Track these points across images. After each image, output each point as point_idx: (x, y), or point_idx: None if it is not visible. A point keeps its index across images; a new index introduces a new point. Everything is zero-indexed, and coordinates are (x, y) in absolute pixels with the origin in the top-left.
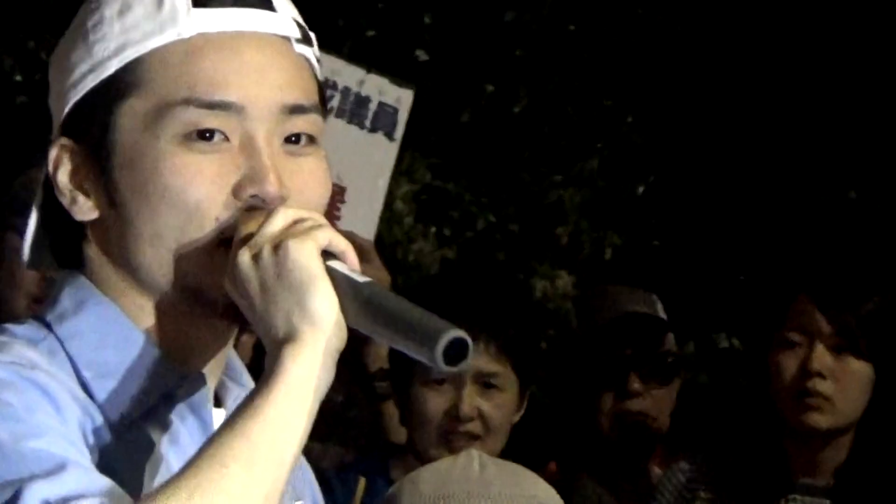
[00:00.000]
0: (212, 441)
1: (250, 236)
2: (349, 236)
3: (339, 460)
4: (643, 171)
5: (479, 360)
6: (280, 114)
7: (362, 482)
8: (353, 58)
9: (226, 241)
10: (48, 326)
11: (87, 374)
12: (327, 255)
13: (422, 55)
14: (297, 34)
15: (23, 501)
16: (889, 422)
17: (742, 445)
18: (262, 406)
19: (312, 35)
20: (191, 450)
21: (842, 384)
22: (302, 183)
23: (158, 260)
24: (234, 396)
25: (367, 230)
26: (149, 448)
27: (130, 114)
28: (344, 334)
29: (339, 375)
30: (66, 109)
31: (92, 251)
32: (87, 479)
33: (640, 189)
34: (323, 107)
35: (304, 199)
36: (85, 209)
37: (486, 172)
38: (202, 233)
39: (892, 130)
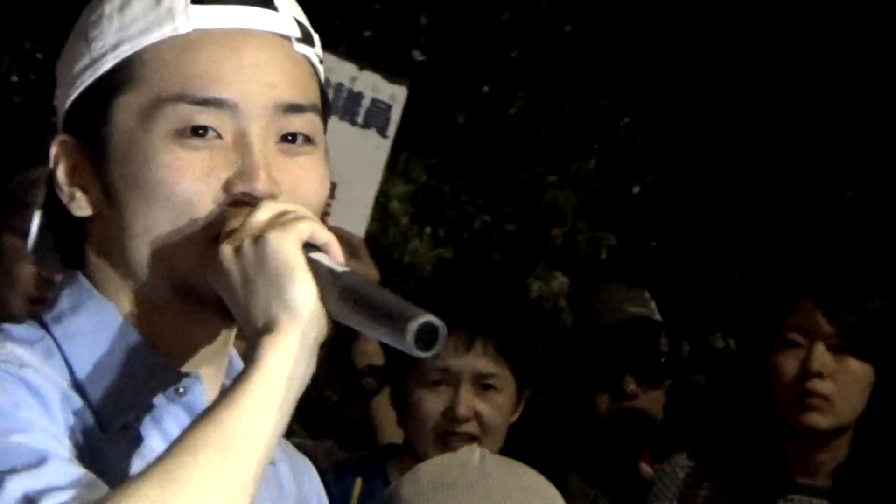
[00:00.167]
0: (186, 431)
1: (235, 230)
2: (339, 232)
3: (335, 460)
4: (639, 171)
5: (477, 360)
6: (274, 112)
7: (359, 483)
8: (349, 57)
9: (217, 238)
10: (46, 327)
11: (81, 375)
12: (310, 247)
13: (418, 56)
14: (297, 33)
15: (3, 494)
16: (888, 422)
17: (740, 444)
18: (236, 395)
19: (315, 36)
20: None
21: (841, 385)
22: (295, 181)
23: (150, 256)
24: None
25: (358, 227)
26: (143, 449)
27: (125, 109)
28: (324, 325)
29: (335, 375)
30: (66, 105)
31: (92, 250)
32: (65, 472)
33: (636, 190)
34: (325, 108)
35: (297, 197)
36: (83, 206)
37: (482, 173)
38: (193, 228)
39: (889, 130)
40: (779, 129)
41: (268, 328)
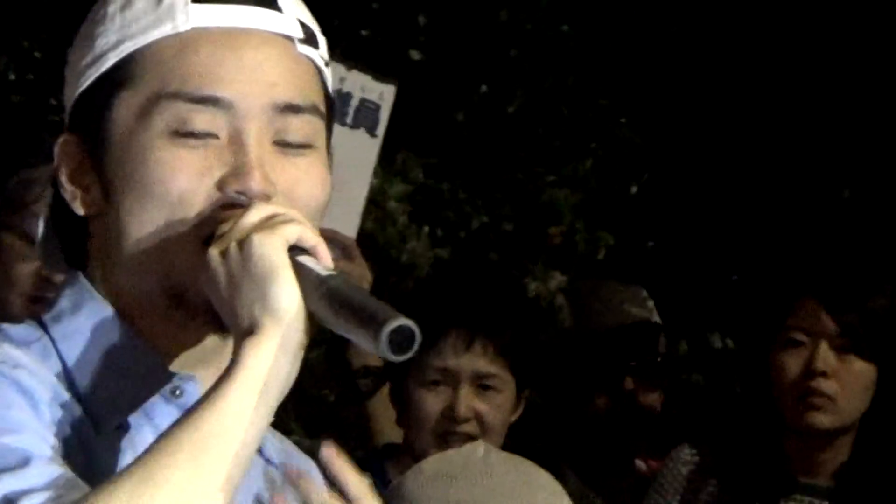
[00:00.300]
0: (165, 433)
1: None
2: (331, 234)
3: None
4: (637, 171)
5: (476, 360)
6: (272, 112)
7: None
8: (348, 57)
9: (209, 241)
10: (45, 327)
11: (76, 376)
12: (298, 250)
13: (416, 55)
14: (300, 34)
15: None
16: (890, 423)
17: (741, 444)
18: (215, 397)
19: (321, 38)
20: None
21: (845, 384)
22: (291, 182)
23: (145, 256)
24: None
25: (350, 228)
26: (138, 449)
27: (124, 106)
28: (308, 328)
29: (332, 375)
30: (71, 104)
31: (93, 249)
32: (47, 473)
33: (634, 189)
34: (329, 110)
35: (293, 198)
36: (84, 205)
37: (480, 172)
38: (185, 227)
39: (887, 129)
40: (775, 129)
41: (250, 330)
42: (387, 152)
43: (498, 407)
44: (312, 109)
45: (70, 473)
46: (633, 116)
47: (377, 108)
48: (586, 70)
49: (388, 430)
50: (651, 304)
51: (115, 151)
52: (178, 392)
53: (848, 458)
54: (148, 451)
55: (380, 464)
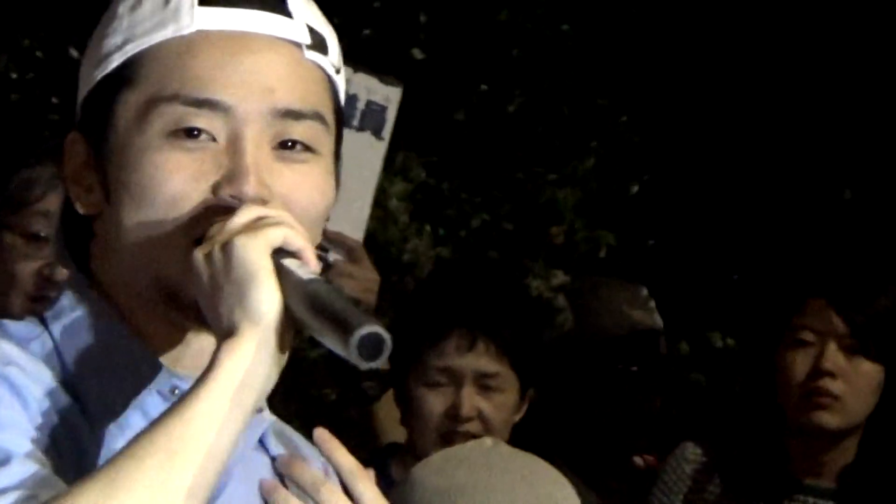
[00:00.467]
0: (137, 436)
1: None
2: (338, 237)
3: None
4: (638, 170)
5: (479, 360)
6: (271, 117)
7: None
8: (348, 56)
9: (198, 243)
10: (45, 324)
11: (73, 373)
12: (283, 253)
13: (417, 54)
14: (307, 40)
15: None
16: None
17: (744, 444)
18: (189, 400)
19: (333, 45)
20: None
21: (852, 385)
22: (289, 188)
23: (139, 257)
24: None
25: (357, 230)
26: None
27: (125, 108)
28: (289, 332)
29: (333, 375)
30: (80, 103)
31: (95, 249)
32: (25, 471)
33: (635, 188)
34: (338, 116)
35: (290, 204)
36: (87, 204)
37: (480, 171)
38: (179, 229)
39: (887, 129)
40: (775, 129)
41: (229, 333)
42: (388, 151)
43: (501, 406)
44: (315, 116)
45: (47, 472)
46: (633, 116)
47: (383, 109)
48: (586, 69)
49: (395, 431)
50: (652, 304)
51: (114, 152)
52: (176, 391)
53: (852, 459)
54: (119, 454)
55: (384, 463)
